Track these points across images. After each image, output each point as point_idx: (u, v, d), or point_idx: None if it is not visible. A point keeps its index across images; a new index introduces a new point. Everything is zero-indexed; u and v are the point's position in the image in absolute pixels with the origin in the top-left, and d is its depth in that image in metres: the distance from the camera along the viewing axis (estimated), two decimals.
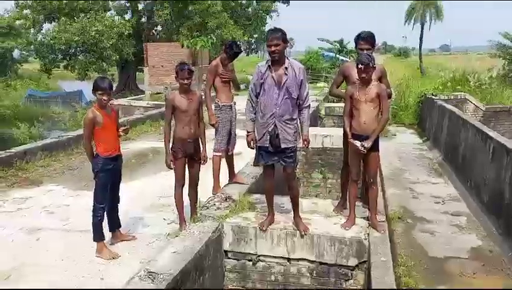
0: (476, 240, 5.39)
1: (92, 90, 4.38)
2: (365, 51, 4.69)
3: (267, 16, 33.24)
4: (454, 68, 18.53)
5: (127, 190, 5.97)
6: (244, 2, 31.77)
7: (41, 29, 27.50)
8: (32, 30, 27.81)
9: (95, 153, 4.44)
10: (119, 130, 4.57)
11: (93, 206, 4.42)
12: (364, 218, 4.87)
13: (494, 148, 6.30)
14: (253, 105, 4.54)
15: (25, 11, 27.01)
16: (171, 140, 4.86)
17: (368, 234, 4.52)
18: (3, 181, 6.88)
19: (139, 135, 10.94)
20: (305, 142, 4.62)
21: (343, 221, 4.78)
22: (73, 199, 6.19)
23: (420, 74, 30.98)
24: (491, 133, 6.72)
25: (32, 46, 28.65)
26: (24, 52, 40.29)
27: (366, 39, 4.85)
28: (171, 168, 4.88)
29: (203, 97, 5.30)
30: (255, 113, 4.54)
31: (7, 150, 7.74)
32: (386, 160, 8.74)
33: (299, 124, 4.56)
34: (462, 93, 14.76)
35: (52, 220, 5.43)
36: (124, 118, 13.06)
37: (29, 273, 4.17)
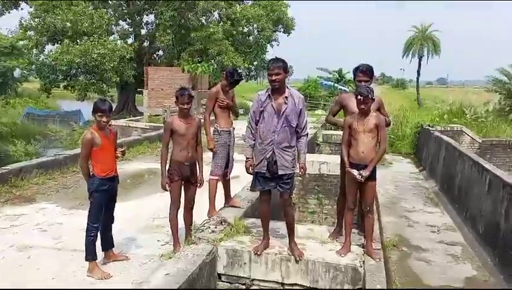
0: (471, 270, 5.37)
1: (92, 111, 4.42)
2: (363, 83, 4.76)
3: (268, 45, 33.84)
4: (451, 101, 18.73)
5: (121, 210, 5.92)
6: (245, 30, 32.36)
7: (44, 50, 27.85)
8: (34, 51, 28.14)
9: (91, 173, 4.44)
10: (117, 151, 4.59)
11: (87, 225, 4.38)
12: (359, 245, 4.83)
13: (490, 180, 6.33)
14: (253, 132, 4.57)
15: (28, 33, 27.42)
16: (168, 162, 4.86)
17: (363, 261, 4.47)
18: None
19: (135, 155, 10.93)
20: (302, 170, 4.65)
21: (339, 248, 4.75)
22: (67, 218, 6.13)
23: (417, 105, 31.30)
24: (488, 166, 6.75)
25: (33, 66, 28.94)
26: (25, 72, 40.69)
27: (364, 72, 4.91)
28: (167, 190, 4.88)
29: (202, 122, 5.34)
30: (254, 140, 4.57)
31: (2, 167, 7.71)
32: (383, 188, 8.75)
33: (296, 151, 4.59)
34: (459, 125, 14.89)
35: (45, 238, 5.36)
36: (121, 139, 13.06)
37: None
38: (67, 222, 5.95)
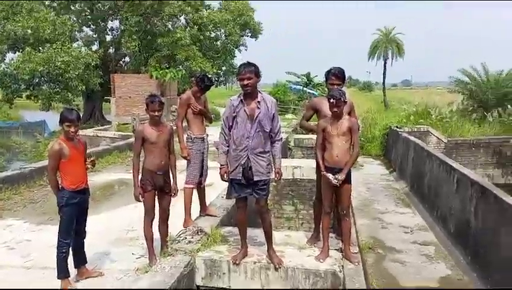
0: (445, 269, 5.44)
1: (59, 121, 4.25)
2: (336, 86, 4.80)
3: (236, 49, 33.85)
4: (417, 102, 19.20)
5: (92, 223, 5.71)
6: (213, 35, 32.28)
7: (5, 59, 26.84)
8: None
9: (60, 186, 4.27)
10: (86, 162, 4.44)
11: (58, 241, 4.21)
12: (337, 250, 4.85)
13: (458, 179, 6.46)
14: (226, 138, 4.52)
15: None
16: (141, 172, 4.74)
17: (343, 266, 4.49)
18: None
19: (105, 166, 10.66)
20: (278, 175, 4.63)
21: (317, 253, 4.75)
22: (35, 234, 5.90)
23: (384, 107, 31.96)
24: (455, 165, 6.90)
25: None
26: None
27: (337, 75, 4.93)
28: (140, 201, 4.75)
29: (174, 129, 5.24)
30: (227, 146, 4.51)
31: None
32: (355, 190, 8.80)
33: (271, 157, 4.56)
34: (425, 126, 15.23)
35: (13, 257, 5.13)
36: (90, 149, 12.71)
37: None
38: (36, 238, 5.72)
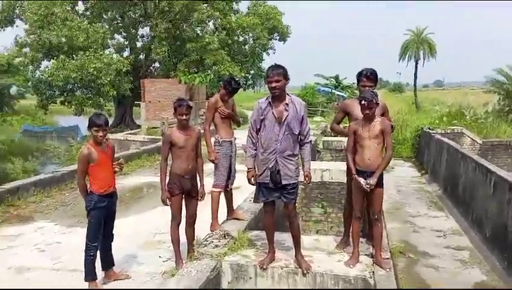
0: (480, 275, 5.27)
1: (88, 126, 4.28)
2: (368, 88, 4.64)
3: (264, 53, 33.89)
4: (450, 103, 18.71)
5: (121, 226, 5.77)
6: (241, 40, 32.43)
7: (40, 67, 27.78)
8: (30, 67, 28.04)
9: (88, 190, 4.30)
10: (114, 165, 4.45)
11: (86, 244, 4.24)
12: (368, 255, 4.68)
13: (495, 182, 6.22)
14: (254, 141, 4.44)
15: (24, 49, 27.39)
16: (168, 176, 4.73)
17: (373, 272, 4.33)
18: None
19: (134, 169, 10.79)
20: (307, 178, 4.50)
21: (347, 258, 4.60)
22: (66, 237, 5.98)
23: (415, 108, 31.28)
24: (492, 167, 6.65)
25: (29, 83, 28.81)
26: (21, 89, 40.57)
27: (368, 76, 4.76)
28: (167, 205, 4.73)
29: (202, 132, 5.21)
30: (255, 149, 4.43)
31: None
32: (386, 193, 8.54)
33: (300, 160, 4.46)
34: (459, 127, 14.85)
35: (43, 259, 5.21)
36: (120, 153, 12.94)
37: None
38: (66, 241, 5.80)
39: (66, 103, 27.52)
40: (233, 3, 32.32)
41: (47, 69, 25.84)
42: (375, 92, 4.42)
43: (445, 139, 10.58)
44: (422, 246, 6.12)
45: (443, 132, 13.40)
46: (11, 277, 4.74)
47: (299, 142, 4.42)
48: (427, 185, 10.19)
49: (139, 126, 25.14)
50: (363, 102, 4.31)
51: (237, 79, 5.72)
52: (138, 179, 9.62)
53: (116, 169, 4.47)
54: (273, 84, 4.21)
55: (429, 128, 13.33)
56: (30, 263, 5.08)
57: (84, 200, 4.35)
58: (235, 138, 5.58)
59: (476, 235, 6.50)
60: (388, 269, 4.36)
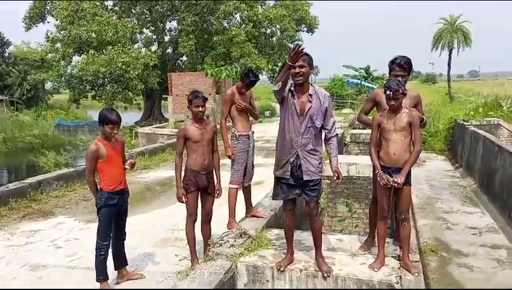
0: None
1: (99, 122, 4.11)
2: (400, 78, 4.26)
3: (291, 45, 33.41)
4: (486, 93, 17.88)
5: (139, 222, 5.65)
6: (268, 32, 32.08)
7: (71, 62, 28.38)
8: (62, 62, 28.68)
9: (98, 187, 4.15)
10: (125, 164, 4.29)
11: (96, 243, 4.10)
12: (395, 257, 4.35)
13: None
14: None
15: (56, 45, 28.01)
16: (184, 172, 4.53)
17: (400, 276, 4.00)
18: (15, 213, 6.72)
19: (157, 163, 10.73)
20: (336, 174, 4.19)
21: (371, 261, 4.28)
22: (84, 233, 5.91)
23: (449, 99, 30.16)
24: None
25: (62, 78, 29.50)
26: (56, 84, 41.72)
27: (402, 65, 4.34)
28: (183, 202, 4.53)
29: (218, 127, 4.98)
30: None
31: (22, 181, 7.60)
32: (416, 188, 8.24)
33: (323, 155, 4.15)
34: (495, 118, 14.18)
35: (58, 256, 5.14)
36: (142, 147, 12.95)
37: None
38: (83, 237, 5.72)
39: (97, 98, 28.06)
40: None
41: (77, 64, 26.35)
42: (402, 81, 4.06)
43: (481, 131, 10.07)
44: (456, 244, 5.76)
45: (478, 123, 12.81)
46: (25, 275, 4.67)
47: (325, 136, 4.11)
48: (461, 179, 9.71)
49: (167, 119, 25.33)
50: (387, 92, 3.95)
51: (255, 71, 5.44)
52: (161, 173, 9.54)
53: (127, 167, 4.30)
54: (297, 70, 3.85)
55: (463, 120, 12.72)
56: (45, 260, 5.01)
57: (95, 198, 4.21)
58: (253, 132, 5.32)
59: None
60: (417, 274, 4.01)
